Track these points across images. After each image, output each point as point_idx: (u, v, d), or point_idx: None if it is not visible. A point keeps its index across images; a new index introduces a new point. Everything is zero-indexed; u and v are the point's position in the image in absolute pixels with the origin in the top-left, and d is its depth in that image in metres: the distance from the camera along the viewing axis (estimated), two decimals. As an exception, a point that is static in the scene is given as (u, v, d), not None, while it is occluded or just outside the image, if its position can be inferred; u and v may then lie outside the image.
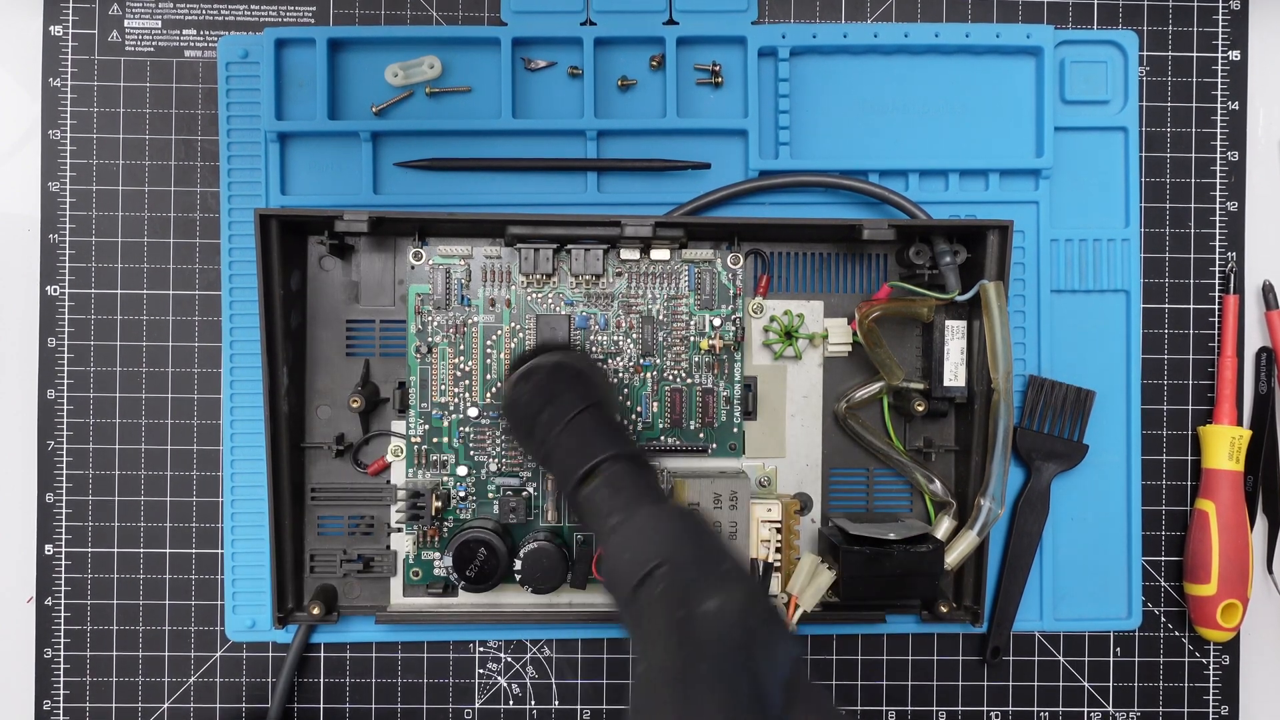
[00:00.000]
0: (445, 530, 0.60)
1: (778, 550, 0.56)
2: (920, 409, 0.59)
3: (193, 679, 0.62)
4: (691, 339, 0.60)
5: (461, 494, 0.60)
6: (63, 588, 0.62)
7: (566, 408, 0.51)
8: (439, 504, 0.58)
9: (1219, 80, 0.64)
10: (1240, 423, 0.64)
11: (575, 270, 0.58)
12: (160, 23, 0.62)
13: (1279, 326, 0.63)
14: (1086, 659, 0.64)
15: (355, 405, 0.57)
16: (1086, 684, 0.64)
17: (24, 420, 0.62)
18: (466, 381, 0.60)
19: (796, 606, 0.55)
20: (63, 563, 0.62)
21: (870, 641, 0.63)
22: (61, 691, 0.62)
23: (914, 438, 0.62)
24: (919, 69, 0.63)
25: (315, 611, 0.58)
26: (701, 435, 0.60)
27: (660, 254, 0.59)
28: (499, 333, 0.60)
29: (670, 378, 0.60)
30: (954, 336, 0.59)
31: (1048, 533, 0.63)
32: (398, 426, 0.60)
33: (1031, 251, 0.62)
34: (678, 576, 0.42)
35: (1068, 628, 0.63)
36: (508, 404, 0.54)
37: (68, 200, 0.62)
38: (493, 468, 0.60)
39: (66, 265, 0.62)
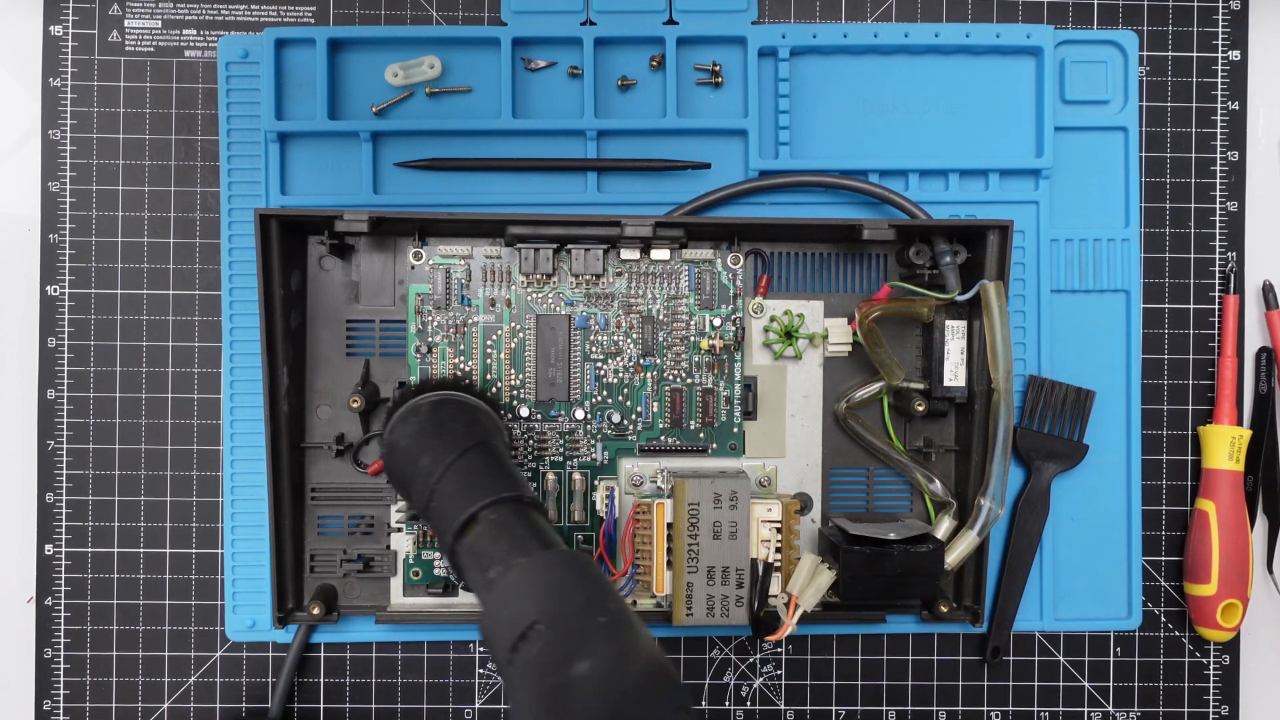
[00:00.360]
0: (445, 530, 0.60)
1: (778, 550, 0.56)
2: (920, 409, 0.59)
3: (193, 679, 0.62)
4: (691, 339, 0.60)
5: (461, 494, 0.60)
6: (63, 588, 0.62)
7: (446, 451, 0.48)
8: (439, 504, 0.58)
9: (1219, 80, 0.64)
10: (1240, 423, 0.64)
11: (575, 270, 0.58)
12: (160, 23, 0.62)
13: (1279, 326, 0.63)
14: (1086, 659, 0.64)
15: (355, 405, 0.57)
16: (1086, 684, 0.64)
17: (24, 420, 0.62)
18: (466, 382, 0.60)
19: (796, 606, 0.55)
20: (63, 563, 0.62)
21: (870, 641, 0.63)
22: (61, 691, 0.62)
23: (914, 438, 0.62)
24: (919, 69, 0.63)
25: (315, 611, 0.58)
26: (701, 435, 0.60)
27: (660, 254, 0.59)
28: (499, 333, 0.60)
29: (670, 378, 0.60)
30: (954, 336, 0.59)
31: (1048, 533, 0.63)
32: (398, 426, 0.60)
33: (1031, 251, 0.62)
34: (553, 636, 0.39)
35: (1068, 628, 0.63)
36: (386, 450, 0.52)
37: (68, 200, 0.62)
38: (493, 468, 0.60)
39: (66, 265, 0.62)
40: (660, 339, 0.60)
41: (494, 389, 0.60)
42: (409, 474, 0.50)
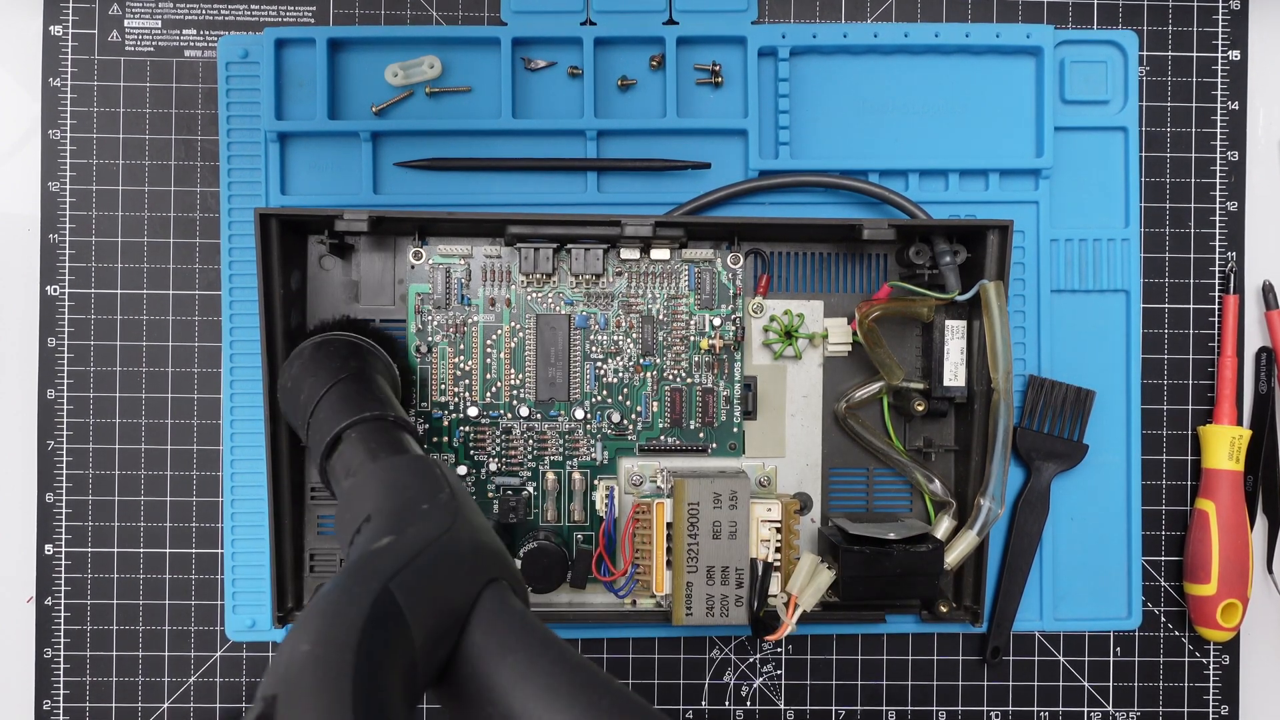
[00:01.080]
0: (445, 530, 0.60)
1: (778, 550, 0.56)
2: (920, 409, 0.59)
3: (193, 679, 0.62)
4: (691, 339, 0.60)
5: (461, 494, 0.60)
6: (63, 588, 0.62)
7: (320, 385, 0.51)
8: (439, 504, 0.58)
9: (1219, 80, 0.64)
10: (1240, 423, 0.64)
11: (575, 270, 0.58)
12: (160, 23, 0.62)
13: (1279, 326, 0.63)
14: (1086, 659, 0.64)
15: (355, 405, 0.57)
16: (1086, 684, 0.64)
17: (24, 420, 0.62)
18: (466, 381, 0.60)
19: (796, 606, 0.55)
20: (63, 563, 0.62)
21: (870, 641, 0.63)
22: (61, 691, 0.62)
23: (914, 438, 0.62)
24: (919, 69, 0.63)
25: (315, 611, 0.58)
26: (701, 435, 0.60)
27: (660, 254, 0.59)
28: (499, 332, 0.60)
29: (670, 378, 0.60)
30: (954, 336, 0.59)
31: (1048, 533, 0.63)
32: (398, 426, 0.60)
33: (1031, 251, 0.62)
34: (375, 524, 0.40)
35: (1068, 628, 0.63)
36: (279, 390, 0.55)
37: (68, 200, 0.62)
38: (493, 467, 0.60)
39: (66, 265, 0.62)
40: (660, 339, 0.60)
41: (494, 388, 0.60)
42: (293, 410, 0.52)
